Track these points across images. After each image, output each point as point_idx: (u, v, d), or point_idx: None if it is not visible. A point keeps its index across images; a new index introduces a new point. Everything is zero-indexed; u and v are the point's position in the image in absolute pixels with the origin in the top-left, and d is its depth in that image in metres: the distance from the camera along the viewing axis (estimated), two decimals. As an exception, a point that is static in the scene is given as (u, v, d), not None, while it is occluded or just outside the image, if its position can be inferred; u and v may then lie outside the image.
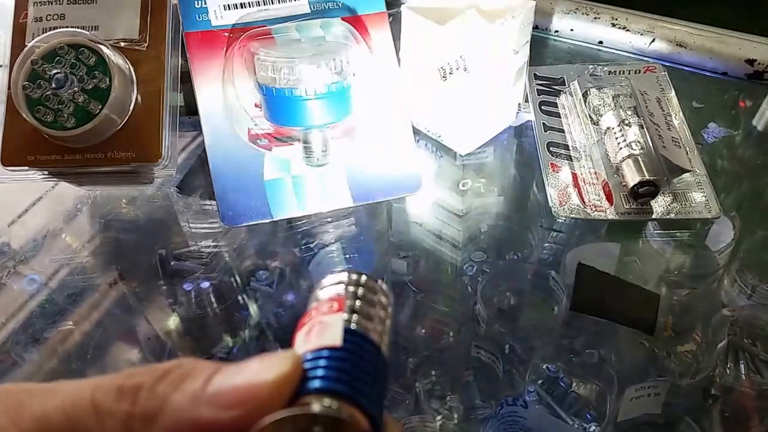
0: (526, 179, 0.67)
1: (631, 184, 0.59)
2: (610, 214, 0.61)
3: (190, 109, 0.63)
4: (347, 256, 0.63)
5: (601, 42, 0.80)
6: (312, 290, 0.27)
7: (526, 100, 0.70)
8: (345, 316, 0.24)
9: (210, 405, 0.22)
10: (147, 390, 0.22)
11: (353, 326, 0.24)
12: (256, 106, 0.62)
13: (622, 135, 0.62)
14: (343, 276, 0.26)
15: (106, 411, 0.22)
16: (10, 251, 0.64)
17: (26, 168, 0.62)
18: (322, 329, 0.24)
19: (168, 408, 0.22)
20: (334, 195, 0.62)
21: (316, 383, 0.22)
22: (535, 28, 0.79)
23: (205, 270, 0.61)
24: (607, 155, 0.63)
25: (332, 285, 0.26)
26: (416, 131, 0.67)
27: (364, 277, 0.26)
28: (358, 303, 0.25)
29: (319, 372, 0.22)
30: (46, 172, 0.63)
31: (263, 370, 0.22)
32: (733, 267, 0.61)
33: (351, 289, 0.26)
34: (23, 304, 0.60)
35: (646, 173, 0.59)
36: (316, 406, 0.21)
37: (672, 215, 0.60)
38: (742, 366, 0.56)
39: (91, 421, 0.22)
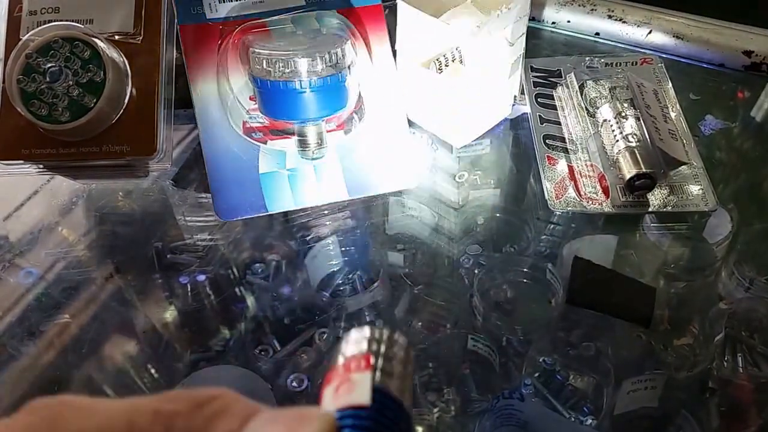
0: (523, 172, 0.67)
1: (628, 176, 0.59)
2: (607, 206, 0.60)
3: (185, 102, 0.63)
4: (343, 249, 0.63)
5: (597, 34, 0.79)
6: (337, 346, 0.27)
7: (522, 93, 0.70)
8: (371, 374, 0.25)
9: None
10: (183, 418, 0.22)
11: (379, 384, 0.25)
12: (251, 99, 0.62)
13: (619, 127, 0.62)
14: (366, 331, 0.27)
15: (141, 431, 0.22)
16: (7, 245, 0.64)
17: (21, 162, 0.62)
18: (350, 388, 0.24)
19: None
20: (330, 188, 0.62)
21: None
22: (531, 19, 0.78)
23: (201, 263, 0.61)
24: (604, 148, 0.63)
25: (356, 341, 0.27)
26: (412, 124, 0.67)
27: (386, 334, 0.27)
28: (380, 362, 0.26)
29: None
30: (41, 166, 0.63)
31: (300, 425, 0.22)
32: (731, 259, 0.61)
33: (374, 347, 0.26)
34: (19, 298, 0.60)
35: (642, 166, 0.59)
36: None
37: (669, 208, 0.60)
38: (740, 359, 0.56)
39: None
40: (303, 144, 0.61)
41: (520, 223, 0.64)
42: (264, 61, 0.58)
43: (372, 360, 0.26)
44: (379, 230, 0.65)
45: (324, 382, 0.25)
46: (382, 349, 0.26)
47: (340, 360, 0.26)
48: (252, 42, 0.60)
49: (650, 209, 0.60)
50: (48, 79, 0.59)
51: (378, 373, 0.25)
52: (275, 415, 0.23)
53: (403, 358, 0.27)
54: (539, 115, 0.68)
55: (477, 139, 0.68)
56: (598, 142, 0.64)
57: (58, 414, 0.22)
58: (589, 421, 0.54)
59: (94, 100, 0.59)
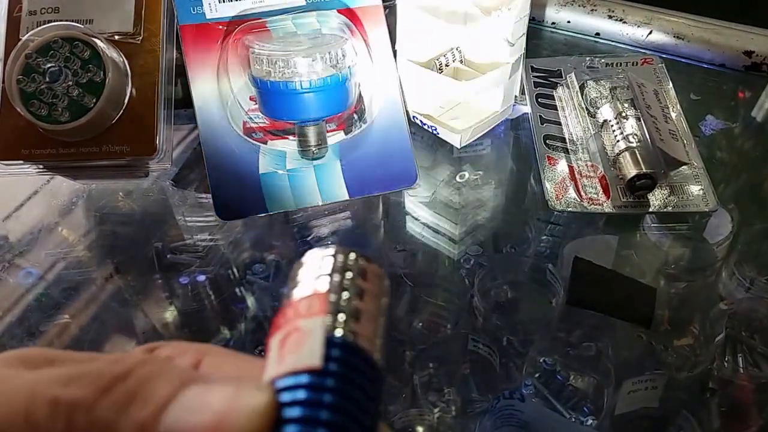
0: (523, 172, 0.67)
1: (628, 177, 0.59)
2: (607, 207, 0.60)
3: (186, 102, 0.63)
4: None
5: (598, 34, 0.79)
6: (289, 271, 0.22)
7: (523, 93, 0.70)
8: (327, 320, 0.20)
9: None
10: (85, 411, 0.18)
11: (338, 334, 0.19)
12: (251, 99, 0.62)
13: (619, 127, 0.62)
14: (327, 259, 0.21)
15: (39, 427, 0.19)
16: (7, 245, 0.64)
17: (21, 162, 0.62)
18: (299, 341, 0.19)
19: None
20: (330, 188, 0.62)
21: (291, 429, 0.18)
22: (532, 20, 0.78)
23: (201, 263, 0.61)
24: (604, 148, 0.63)
25: (312, 270, 0.21)
26: (412, 124, 0.67)
27: (352, 258, 0.21)
28: (344, 297, 0.20)
29: (296, 411, 0.18)
30: (41, 166, 0.63)
31: (233, 402, 0.18)
32: (731, 260, 0.60)
33: (336, 278, 0.21)
34: (19, 298, 0.60)
35: (643, 166, 0.59)
36: None
37: (669, 208, 0.60)
38: (740, 359, 0.56)
39: None
40: (303, 144, 0.61)
41: (520, 224, 0.64)
42: (264, 62, 0.58)
43: (331, 298, 0.20)
44: (379, 230, 0.65)
45: (271, 329, 0.20)
46: (346, 280, 0.21)
47: (292, 295, 0.21)
48: (252, 42, 0.60)
49: (651, 209, 0.60)
50: (48, 79, 0.59)
51: (340, 316, 0.20)
52: (202, 391, 0.19)
53: (376, 292, 0.21)
54: (540, 116, 0.68)
55: (477, 139, 0.68)
56: (598, 142, 0.64)
57: None
58: (590, 421, 0.53)
59: (94, 100, 0.59)
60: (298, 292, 0.21)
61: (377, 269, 0.22)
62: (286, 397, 0.18)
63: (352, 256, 0.21)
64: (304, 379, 0.18)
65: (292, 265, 0.22)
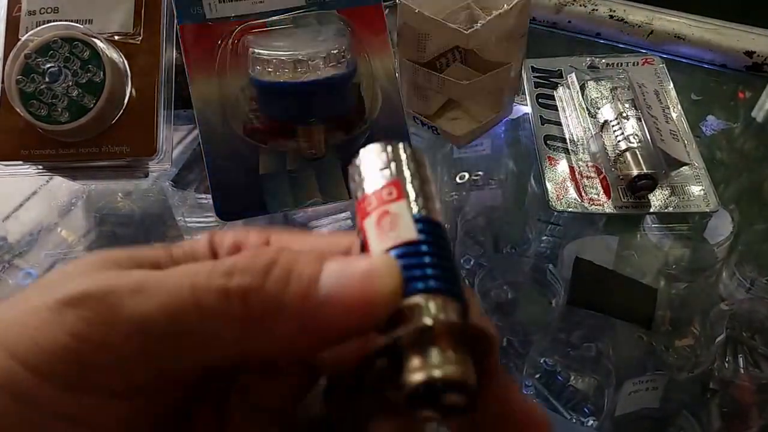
0: (523, 172, 0.67)
1: (629, 177, 0.59)
2: (608, 207, 0.60)
3: (185, 102, 0.63)
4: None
5: (598, 34, 0.79)
6: (350, 171, 0.26)
7: (523, 93, 0.69)
8: (409, 203, 0.24)
9: (323, 311, 0.22)
10: (256, 293, 0.22)
11: (417, 211, 0.24)
12: (251, 99, 0.62)
13: (620, 128, 0.62)
14: (382, 154, 0.26)
15: (214, 313, 0.22)
16: (6, 245, 0.64)
17: (20, 162, 0.61)
18: (393, 222, 0.24)
19: (284, 313, 0.22)
20: (330, 189, 0.62)
21: (419, 285, 0.22)
22: (533, 20, 0.78)
23: (201, 264, 0.61)
24: (605, 148, 0.63)
25: (374, 164, 0.25)
26: (412, 124, 0.67)
27: (401, 147, 0.26)
28: (411, 180, 0.25)
29: (411, 272, 0.23)
30: (40, 167, 0.62)
31: (372, 267, 0.22)
32: (732, 260, 0.60)
33: (399, 166, 0.25)
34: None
35: (644, 166, 0.59)
36: (439, 315, 0.22)
37: (670, 209, 0.60)
38: (741, 360, 0.56)
39: (195, 322, 0.22)
40: (303, 145, 0.61)
41: (521, 224, 0.64)
42: (264, 62, 0.58)
43: (404, 184, 0.25)
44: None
45: (359, 211, 0.25)
46: (406, 166, 0.25)
47: (367, 186, 0.25)
48: (252, 42, 0.60)
49: (651, 210, 0.60)
50: (47, 79, 0.59)
51: (415, 199, 0.24)
52: (343, 266, 0.22)
53: (426, 173, 0.26)
54: (540, 116, 0.68)
55: (478, 139, 0.68)
56: (599, 142, 0.64)
57: (110, 305, 0.22)
58: (590, 422, 0.53)
59: (94, 101, 0.59)
60: (372, 185, 0.25)
61: (419, 152, 0.26)
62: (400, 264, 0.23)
63: (401, 145, 0.26)
64: (408, 249, 0.23)
65: (351, 167, 0.26)
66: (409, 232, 0.24)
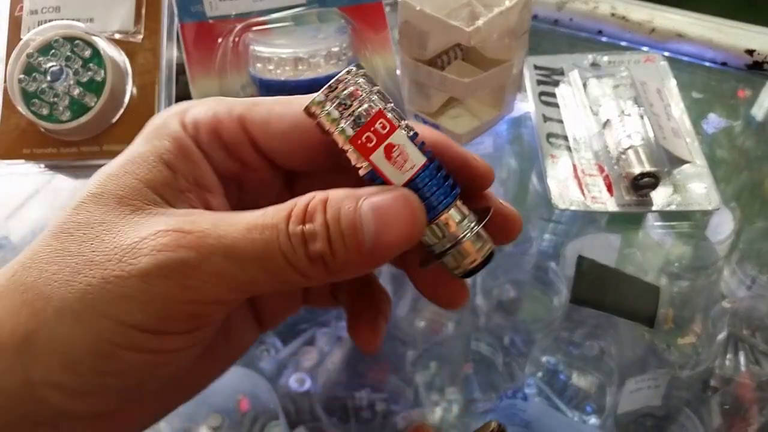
0: (525, 170, 0.67)
1: (632, 175, 0.59)
2: (610, 205, 0.60)
3: (186, 101, 0.63)
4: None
5: (600, 32, 0.79)
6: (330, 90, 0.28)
7: (525, 90, 0.69)
8: (404, 131, 0.28)
9: (377, 254, 0.27)
10: (330, 257, 0.27)
11: (412, 134, 0.28)
12: (252, 97, 0.61)
13: (622, 126, 0.62)
14: (359, 82, 0.28)
15: (306, 275, 0.27)
16: (9, 244, 0.64)
17: (22, 161, 0.61)
18: (401, 152, 0.28)
19: (350, 267, 0.27)
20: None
21: (446, 200, 0.28)
22: (534, 17, 0.78)
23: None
24: (607, 146, 0.63)
25: (347, 100, 0.28)
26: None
27: (361, 72, 0.28)
28: (390, 107, 0.28)
29: (440, 192, 0.28)
30: (42, 166, 0.62)
31: (404, 196, 0.27)
32: (733, 258, 0.60)
33: (375, 98, 0.28)
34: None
35: (646, 164, 0.59)
36: (466, 216, 0.29)
37: (672, 206, 0.60)
38: (742, 357, 0.56)
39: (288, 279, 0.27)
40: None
41: (523, 222, 0.64)
42: (265, 60, 0.58)
43: (388, 115, 0.28)
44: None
45: (361, 151, 0.28)
46: (376, 93, 0.28)
47: (352, 126, 0.27)
48: (253, 40, 0.60)
49: (654, 208, 0.60)
50: (49, 78, 0.59)
51: (404, 124, 0.28)
52: (377, 193, 0.27)
53: (380, 88, 0.29)
54: (542, 114, 0.68)
55: (479, 137, 0.68)
56: (601, 140, 0.64)
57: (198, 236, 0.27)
58: (593, 420, 0.54)
59: (95, 100, 0.59)
60: (356, 123, 0.27)
61: (362, 66, 0.29)
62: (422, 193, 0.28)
63: (353, 71, 0.28)
64: (424, 174, 0.28)
65: (313, 116, 0.28)
66: (419, 158, 0.28)
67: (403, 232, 0.27)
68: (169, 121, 0.31)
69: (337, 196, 0.27)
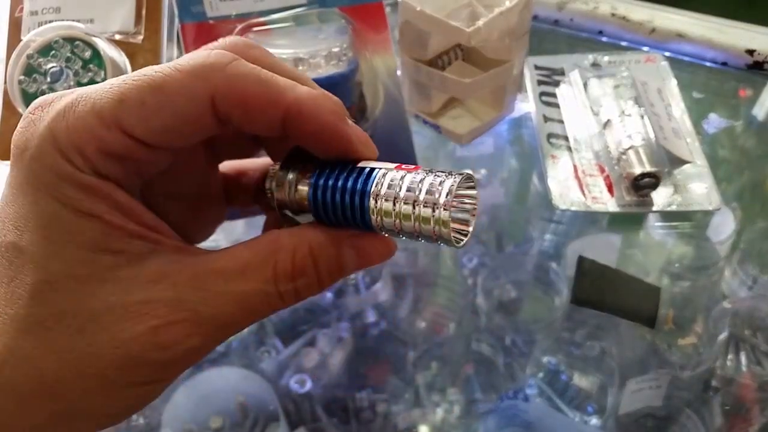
0: (526, 171, 0.67)
1: (633, 175, 0.59)
2: (611, 206, 0.60)
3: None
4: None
5: (601, 32, 0.79)
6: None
7: (526, 91, 0.69)
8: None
9: None
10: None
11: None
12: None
13: (623, 126, 0.62)
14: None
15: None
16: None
17: (22, 162, 0.61)
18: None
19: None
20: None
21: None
22: (535, 17, 0.78)
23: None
24: (608, 146, 0.63)
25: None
26: (414, 122, 0.67)
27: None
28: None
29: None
30: (42, 167, 0.62)
31: (383, 250, 0.31)
32: (734, 258, 0.60)
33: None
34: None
35: (647, 165, 0.59)
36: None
37: (673, 207, 0.60)
38: (743, 358, 0.56)
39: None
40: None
41: (524, 223, 0.64)
42: (266, 61, 0.58)
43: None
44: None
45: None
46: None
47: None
48: (253, 41, 0.60)
49: (654, 208, 0.60)
50: (49, 79, 0.59)
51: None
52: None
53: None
54: (543, 114, 0.68)
55: (480, 137, 0.67)
56: (602, 140, 0.64)
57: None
58: (594, 420, 0.53)
59: (96, 100, 0.59)
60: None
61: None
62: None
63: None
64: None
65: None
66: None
67: (382, 258, 0.31)
68: (52, 161, 0.27)
69: (319, 243, 0.30)
